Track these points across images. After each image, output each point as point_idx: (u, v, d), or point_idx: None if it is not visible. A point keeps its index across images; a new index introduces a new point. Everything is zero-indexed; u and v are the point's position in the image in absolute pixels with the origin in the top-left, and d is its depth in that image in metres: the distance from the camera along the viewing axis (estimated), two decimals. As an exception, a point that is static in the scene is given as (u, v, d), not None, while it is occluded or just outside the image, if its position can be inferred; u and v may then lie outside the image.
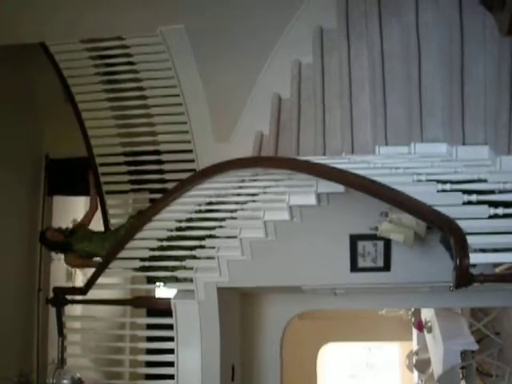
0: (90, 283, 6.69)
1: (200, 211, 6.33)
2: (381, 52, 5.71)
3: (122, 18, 6.74)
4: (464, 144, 5.07)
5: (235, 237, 6.15)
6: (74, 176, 9.27)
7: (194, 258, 6.39)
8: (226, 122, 7.60)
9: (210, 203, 6.23)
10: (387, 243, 6.04)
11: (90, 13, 6.51)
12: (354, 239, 6.13)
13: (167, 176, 8.25)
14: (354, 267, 6.19)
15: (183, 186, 6.21)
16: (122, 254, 6.55)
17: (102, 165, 8.48)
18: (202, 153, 7.83)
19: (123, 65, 7.65)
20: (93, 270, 6.88)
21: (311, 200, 5.78)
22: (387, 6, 5.81)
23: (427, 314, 10.97)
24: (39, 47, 7.62)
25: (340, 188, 5.37)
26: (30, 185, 9.38)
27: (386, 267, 6.13)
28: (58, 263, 9.36)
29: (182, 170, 7.94)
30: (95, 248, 7.41)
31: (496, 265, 4.41)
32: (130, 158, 8.40)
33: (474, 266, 3.92)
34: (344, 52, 6.32)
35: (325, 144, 6.29)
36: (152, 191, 8.43)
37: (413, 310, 11.98)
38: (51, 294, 7.01)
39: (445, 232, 4.11)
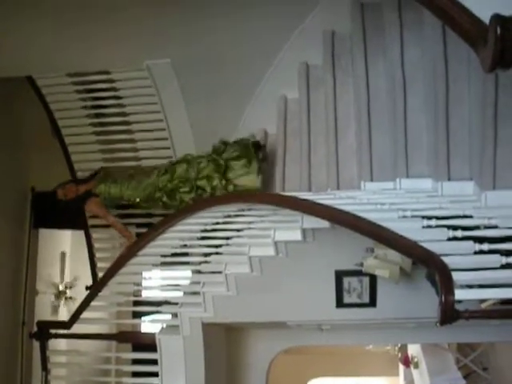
0: (75, 317, 6.63)
1: (185, 246, 6.33)
2: (366, 88, 5.73)
3: (109, 52, 6.75)
4: (449, 180, 5.08)
5: (220, 272, 6.11)
6: (59, 209, 9.23)
7: (179, 291, 6.38)
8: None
9: (196, 238, 6.22)
10: (373, 279, 6.03)
11: (76, 46, 6.51)
12: (340, 275, 6.11)
13: (154, 210, 8.20)
14: (340, 303, 6.17)
15: (168, 222, 6.21)
16: (107, 288, 6.52)
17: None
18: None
19: (110, 98, 7.67)
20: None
21: (296, 236, 5.78)
22: (373, 42, 5.84)
23: (414, 350, 10.93)
24: (26, 80, 7.65)
25: (325, 224, 5.36)
26: (15, 217, 9.34)
27: (372, 303, 6.11)
28: (44, 296, 9.31)
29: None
30: (119, 190, 7.14)
31: (482, 301, 4.39)
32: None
33: (459, 302, 3.90)
34: (330, 88, 6.35)
35: (310, 179, 6.29)
36: (138, 225, 8.40)
37: (399, 345, 11.94)
38: (35, 328, 6.93)
39: (430, 268, 4.09)
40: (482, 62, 2.79)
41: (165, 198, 6.86)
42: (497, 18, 2.61)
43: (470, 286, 3.91)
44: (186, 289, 6.40)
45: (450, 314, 3.74)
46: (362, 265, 5.77)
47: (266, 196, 6.00)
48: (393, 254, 5.52)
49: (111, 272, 6.53)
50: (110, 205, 7.31)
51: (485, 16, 2.83)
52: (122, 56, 6.90)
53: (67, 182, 7.34)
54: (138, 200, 7.13)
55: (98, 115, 7.94)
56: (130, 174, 7.25)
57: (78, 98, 7.80)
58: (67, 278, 10.79)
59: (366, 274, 5.95)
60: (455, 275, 3.83)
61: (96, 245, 8.63)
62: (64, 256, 10.87)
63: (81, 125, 7.96)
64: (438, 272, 3.89)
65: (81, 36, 6.34)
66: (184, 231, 6.21)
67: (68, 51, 6.74)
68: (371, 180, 5.57)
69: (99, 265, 8.53)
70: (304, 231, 5.77)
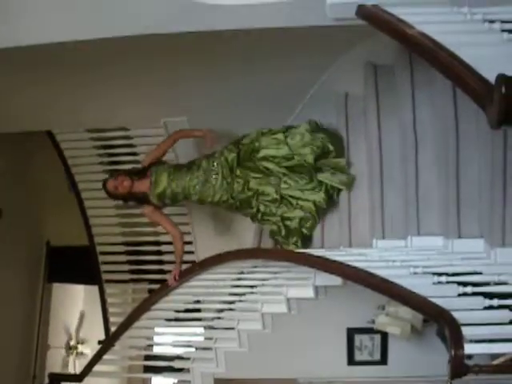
0: (87, 370, 6.66)
1: (198, 302, 6.38)
2: (379, 147, 5.81)
3: (127, 110, 6.87)
4: (460, 237, 5.14)
5: (233, 328, 6.15)
6: (74, 264, 9.33)
7: (191, 347, 6.42)
8: (224, 216, 7.64)
9: (208, 294, 6.27)
10: (384, 336, 6.07)
11: (96, 103, 6.64)
12: (351, 332, 6.17)
13: (166, 267, 8.25)
14: (351, 360, 6.22)
15: (181, 277, 6.26)
16: (120, 342, 6.56)
17: (103, 253, 8.54)
18: (201, 245, 7.88)
19: (127, 155, 7.78)
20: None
21: (309, 293, 5.82)
22: (385, 103, 5.95)
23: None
24: (45, 135, 7.82)
25: (337, 281, 5.42)
26: (30, 271, 9.43)
27: (383, 361, 6.15)
28: (55, 351, 9.33)
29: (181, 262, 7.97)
30: (184, 185, 6.24)
31: (494, 358, 4.41)
32: (131, 248, 8.46)
33: (470, 357, 3.93)
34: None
35: (323, 237, 6.34)
36: (151, 282, 8.46)
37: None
38: (47, 381, 6.95)
39: (440, 323, 4.13)
40: (488, 119, 2.89)
41: (238, 204, 6.27)
42: (502, 78, 2.72)
43: (480, 342, 3.93)
44: (198, 344, 6.43)
45: (459, 368, 3.77)
46: (373, 322, 5.82)
47: (278, 252, 6.06)
48: (404, 312, 5.57)
49: (124, 325, 6.58)
50: (169, 203, 6.49)
51: (491, 76, 2.93)
52: (140, 114, 7.02)
53: (120, 173, 6.40)
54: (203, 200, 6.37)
55: (114, 171, 8.05)
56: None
57: (95, 154, 7.93)
58: (80, 334, 10.81)
59: (377, 332, 6.00)
60: (465, 330, 3.87)
61: (109, 299, 8.68)
62: (77, 311, 10.91)
63: (97, 180, 8.04)
64: (447, 327, 3.94)
65: (101, 95, 6.46)
66: (198, 286, 6.27)
67: (88, 109, 6.86)
68: (383, 238, 5.63)
69: (112, 319, 8.57)
70: (316, 288, 5.82)
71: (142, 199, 6.35)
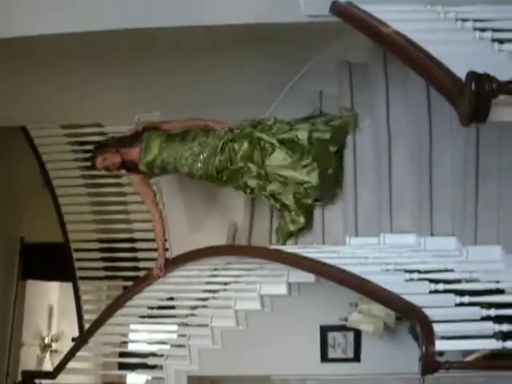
0: (60, 367, 6.62)
1: (171, 299, 6.37)
2: (353, 144, 5.83)
3: (101, 106, 6.84)
4: (432, 235, 5.16)
5: (206, 325, 6.14)
6: (48, 261, 9.27)
7: (165, 344, 6.41)
8: (199, 212, 7.63)
9: (182, 291, 6.26)
10: (357, 334, 6.10)
11: (69, 98, 6.60)
12: (325, 330, 6.18)
13: (141, 264, 8.23)
14: (325, 358, 6.23)
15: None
16: (94, 339, 6.54)
17: (77, 250, 8.50)
18: (176, 241, 7.86)
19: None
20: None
21: (282, 290, 5.83)
22: (359, 100, 5.98)
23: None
24: (19, 131, 7.77)
25: (310, 278, 5.43)
26: (3, 268, 9.34)
27: (356, 358, 6.17)
28: (29, 348, 9.27)
29: (155, 259, 7.95)
30: (175, 154, 5.97)
31: (466, 354, 4.43)
32: (105, 245, 8.42)
33: (441, 354, 3.96)
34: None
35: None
36: (126, 279, 8.43)
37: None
38: (20, 378, 6.90)
39: (411, 320, 4.15)
40: (459, 116, 2.91)
41: (225, 178, 6.06)
42: (472, 75, 2.74)
43: (451, 338, 3.96)
44: (172, 341, 6.42)
45: (430, 364, 3.80)
46: (346, 320, 5.83)
47: (251, 249, 6.07)
48: (377, 309, 5.59)
49: (98, 322, 6.55)
50: (158, 173, 6.25)
51: (463, 74, 2.95)
52: (113, 110, 6.99)
53: (106, 146, 6.06)
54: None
55: (89, 167, 8.01)
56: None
57: (70, 150, 7.90)
58: (54, 331, 10.76)
59: (350, 329, 6.02)
60: (436, 327, 3.90)
61: (83, 296, 8.65)
62: (51, 308, 10.85)
63: (72, 176, 8.03)
64: (418, 324, 3.96)
65: (75, 90, 6.43)
66: (171, 283, 6.26)
67: (62, 104, 6.82)
68: (356, 235, 5.64)
69: (86, 317, 8.54)
70: (289, 285, 5.82)
71: (130, 167, 6.09)
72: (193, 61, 5.81)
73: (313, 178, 5.83)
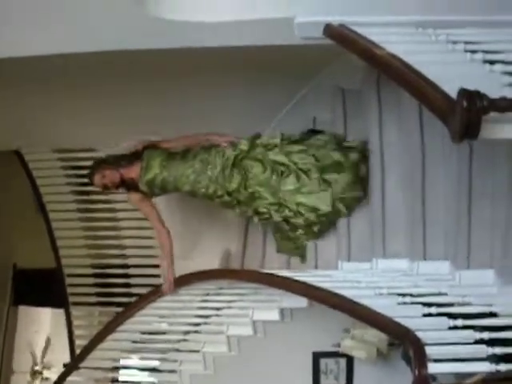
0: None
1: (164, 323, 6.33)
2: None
3: (95, 131, 6.85)
4: (425, 259, 5.15)
5: (198, 351, 6.10)
6: (41, 287, 9.24)
7: (156, 370, 6.36)
8: (191, 240, 7.61)
9: (174, 316, 6.22)
10: (350, 360, 6.03)
11: (64, 124, 6.62)
12: (317, 356, 6.11)
13: (133, 290, 8.20)
14: (317, 385, 6.17)
15: (147, 298, 6.23)
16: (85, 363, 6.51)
17: (70, 276, 8.47)
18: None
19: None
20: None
21: (274, 315, 5.79)
22: (352, 125, 6.01)
23: None
24: (13, 155, 7.78)
25: (303, 303, 5.42)
26: (-5, 293, 9.31)
27: (349, 385, 6.12)
28: (19, 376, 9.20)
29: (148, 285, 7.93)
30: (173, 168, 5.86)
31: (459, 377, 4.41)
32: (98, 271, 8.40)
33: (434, 379, 3.93)
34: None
35: (289, 260, 6.34)
36: (118, 305, 8.39)
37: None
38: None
39: (404, 343, 4.13)
40: (451, 133, 2.92)
41: (235, 202, 5.90)
42: (463, 92, 2.75)
43: (444, 361, 3.93)
44: (164, 367, 6.36)
45: (423, 387, 3.77)
46: (339, 346, 5.80)
47: (243, 272, 6.06)
48: (370, 335, 5.55)
49: (89, 347, 6.52)
50: (158, 193, 6.07)
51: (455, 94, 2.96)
52: (107, 135, 7.00)
53: (104, 163, 5.93)
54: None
55: (81, 192, 8.02)
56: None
57: (63, 175, 7.90)
58: (45, 358, 10.69)
59: (343, 356, 5.96)
60: (429, 350, 3.87)
61: (75, 322, 8.61)
62: (43, 335, 10.79)
63: (66, 201, 8.03)
64: (411, 346, 3.94)
65: (68, 114, 6.45)
66: (163, 308, 6.23)
67: (57, 128, 6.85)
68: (348, 260, 5.63)
69: (78, 342, 8.49)
70: (282, 311, 5.78)
71: (130, 185, 5.92)
72: (182, 84, 5.82)
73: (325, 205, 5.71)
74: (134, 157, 5.90)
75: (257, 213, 5.94)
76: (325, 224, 5.88)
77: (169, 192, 6.09)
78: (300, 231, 5.97)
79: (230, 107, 6.33)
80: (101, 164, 5.95)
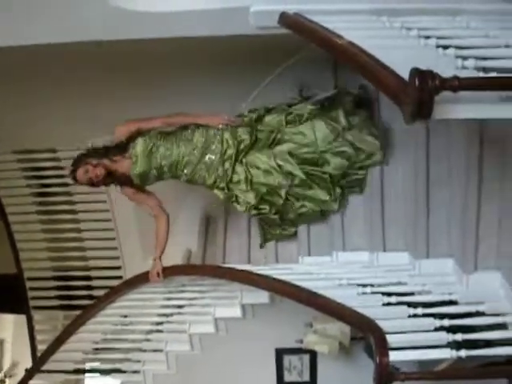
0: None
1: (125, 323, 6.27)
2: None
3: (54, 130, 6.79)
4: (385, 251, 5.17)
5: (161, 350, 6.06)
6: (1, 292, 9.12)
7: (120, 371, 6.30)
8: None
9: (136, 315, 6.17)
10: (313, 356, 6.06)
11: (25, 124, 6.55)
12: (280, 353, 6.12)
13: (95, 292, 8.13)
14: (281, 382, 6.18)
15: (109, 297, 6.18)
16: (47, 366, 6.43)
17: (30, 279, 8.38)
18: (130, 269, 7.77)
19: (54, 177, 7.68)
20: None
21: (236, 312, 5.77)
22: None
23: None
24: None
25: (265, 299, 5.41)
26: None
27: (313, 381, 6.14)
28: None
29: (110, 287, 7.86)
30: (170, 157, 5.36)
31: (422, 364, 4.41)
32: (59, 273, 8.32)
33: (397, 369, 3.92)
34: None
35: (250, 255, 6.33)
36: (80, 307, 8.31)
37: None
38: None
39: (365, 333, 4.12)
40: (403, 114, 2.92)
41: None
42: (415, 72, 2.75)
43: (405, 349, 3.93)
44: (127, 367, 6.30)
45: (385, 375, 3.76)
46: (301, 341, 5.78)
47: (203, 268, 6.04)
48: (331, 328, 5.55)
49: (50, 350, 6.45)
50: (151, 182, 5.56)
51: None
52: (67, 135, 6.93)
53: (85, 157, 5.36)
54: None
55: (42, 194, 7.94)
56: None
57: (22, 176, 7.81)
58: (7, 366, 10.56)
59: (306, 351, 5.97)
60: (390, 338, 3.87)
61: (37, 326, 8.52)
62: (3, 343, 10.66)
63: (25, 203, 7.94)
64: (372, 335, 3.93)
65: (26, 113, 6.38)
66: (125, 307, 6.18)
67: (16, 129, 6.77)
68: (309, 254, 5.63)
69: (40, 347, 8.39)
70: (244, 307, 5.76)
71: (121, 181, 5.45)
72: (147, 77, 5.79)
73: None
74: (118, 150, 5.38)
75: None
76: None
77: (165, 179, 5.61)
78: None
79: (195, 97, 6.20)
80: (82, 158, 5.37)
